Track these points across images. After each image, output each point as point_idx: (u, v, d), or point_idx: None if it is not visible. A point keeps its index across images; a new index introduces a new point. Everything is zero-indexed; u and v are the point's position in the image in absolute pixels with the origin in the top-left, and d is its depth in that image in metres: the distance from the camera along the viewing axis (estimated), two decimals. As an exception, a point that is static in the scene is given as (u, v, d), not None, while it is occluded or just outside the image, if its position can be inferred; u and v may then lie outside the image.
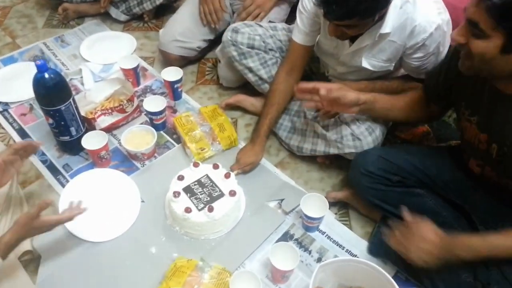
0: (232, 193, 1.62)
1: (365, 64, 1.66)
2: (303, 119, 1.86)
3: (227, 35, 1.93)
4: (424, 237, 1.27)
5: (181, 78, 2.05)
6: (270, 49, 1.93)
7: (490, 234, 1.24)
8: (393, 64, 1.67)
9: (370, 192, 1.56)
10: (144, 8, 2.51)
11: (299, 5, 1.69)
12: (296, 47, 1.77)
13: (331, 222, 1.71)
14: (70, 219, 1.44)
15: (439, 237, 1.27)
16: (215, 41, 2.28)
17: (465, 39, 1.14)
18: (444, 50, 1.58)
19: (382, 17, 1.48)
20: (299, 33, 1.73)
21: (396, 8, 1.47)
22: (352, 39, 1.61)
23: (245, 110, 2.10)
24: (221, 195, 1.63)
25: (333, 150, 1.73)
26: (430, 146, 1.92)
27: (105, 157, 1.79)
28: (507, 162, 1.28)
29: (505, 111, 1.23)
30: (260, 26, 1.95)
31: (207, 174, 1.69)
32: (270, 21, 2.10)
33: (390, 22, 1.49)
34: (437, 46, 1.54)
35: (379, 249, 1.60)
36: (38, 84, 1.61)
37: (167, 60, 2.23)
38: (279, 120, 1.91)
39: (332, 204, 1.74)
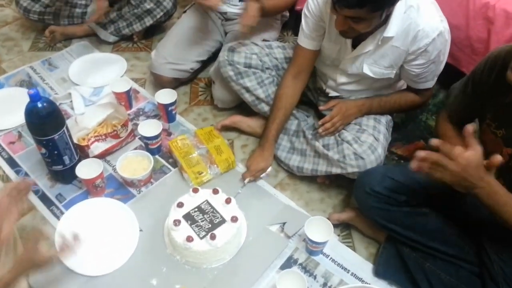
0: (234, 219, 1.57)
1: (366, 70, 1.66)
2: (302, 138, 1.85)
3: (223, 55, 1.90)
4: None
5: (176, 100, 2.01)
6: (267, 68, 1.91)
7: None
8: (394, 72, 1.66)
9: (376, 212, 1.53)
10: (133, 29, 2.47)
11: (304, 9, 1.69)
12: (302, 51, 1.76)
13: (334, 244, 1.68)
14: (71, 252, 1.35)
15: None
16: (207, 61, 2.25)
17: None
18: (445, 59, 1.61)
19: (386, 20, 1.49)
20: (305, 37, 1.73)
21: (400, 13, 1.49)
22: (355, 44, 1.61)
23: (241, 131, 2.07)
24: (223, 221, 1.58)
25: (335, 170, 1.71)
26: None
27: (100, 185, 1.74)
28: None
29: None
30: (256, 45, 1.93)
31: (207, 200, 1.65)
32: (264, 40, 2.07)
33: (394, 27, 1.50)
34: (438, 54, 1.55)
35: (386, 270, 1.59)
36: (31, 114, 1.55)
37: (159, 82, 2.19)
38: (286, 126, 1.90)
39: (334, 226, 1.69)
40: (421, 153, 1.13)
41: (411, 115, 2.14)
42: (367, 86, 1.76)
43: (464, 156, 1.10)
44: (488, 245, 1.40)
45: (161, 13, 2.41)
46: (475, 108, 1.41)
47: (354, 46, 1.63)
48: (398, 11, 1.48)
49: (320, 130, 1.76)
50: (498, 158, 1.12)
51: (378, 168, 1.63)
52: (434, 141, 1.13)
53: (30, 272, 1.35)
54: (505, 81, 1.18)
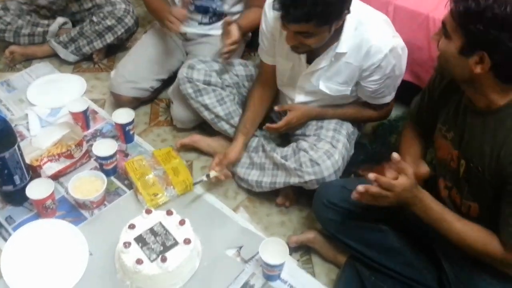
0: (187, 241, 1.52)
1: (322, 87, 1.67)
2: (261, 152, 1.84)
3: (182, 72, 1.89)
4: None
5: (133, 120, 1.98)
6: (227, 85, 1.90)
7: (450, 210, 1.29)
8: (350, 88, 1.67)
9: (333, 226, 1.53)
10: (94, 47, 2.43)
11: (260, 27, 1.72)
12: (265, 66, 1.81)
13: (293, 269, 1.64)
14: None
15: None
16: (168, 81, 2.23)
17: (438, 38, 1.22)
18: (401, 74, 1.63)
19: (338, 36, 1.52)
20: (262, 53, 1.78)
21: (351, 29, 1.51)
22: (310, 61, 1.62)
23: (200, 152, 2.04)
24: (175, 243, 1.53)
25: (293, 180, 1.68)
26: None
27: (51, 207, 1.67)
28: (471, 181, 1.28)
29: (474, 125, 1.25)
30: (217, 62, 1.93)
31: (160, 222, 1.59)
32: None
33: (346, 42, 1.53)
34: (393, 69, 1.57)
35: None
36: (-19, 131, 1.51)
37: (118, 102, 2.15)
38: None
39: (294, 250, 1.69)
40: (359, 187, 1.26)
41: (380, 136, 2.10)
42: (325, 104, 1.77)
43: (398, 184, 1.23)
44: (447, 266, 1.39)
45: (122, 30, 2.39)
46: (432, 114, 1.44)
47: (309, 62, 1.64)
48: (348, 27, 1.50)
49: (265, 126, 1.80)
50: (424, 169, 1.31)
51: (337, 180, 1.63)
52: (370, 176, 1.24)
53: None
54: (454, 86, 1.29)
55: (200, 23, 2.12)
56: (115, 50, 2.58)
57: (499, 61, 1.11)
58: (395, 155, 1.24)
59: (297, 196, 1.85)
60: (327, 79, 1.66)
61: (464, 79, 1.21)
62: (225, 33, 1.86)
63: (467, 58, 1.14)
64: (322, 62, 1.61)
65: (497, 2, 1.05)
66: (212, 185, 1.90)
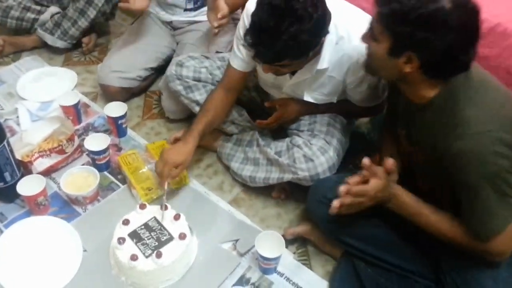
0: (182, 236, 1.51)
1: (308, 98, 1.66)
2: (255, 147, 1.81)
3: (171, 70, 1.86)
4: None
5: (126, 113, 1.95)
6: (218, 81, 1.86)
7: (425, 204, 1.31)
8: (335, 98, 1.65)
9: (328, 222, 1.51)
10: (80, 27, 2.37)
11: (236, 32, 1.63)
12: (233, 72, 1.68)
13: (289, 262, 1.63)
14: None
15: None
16: (160, 70, 2.19)
17: (367, 41, 1.25)
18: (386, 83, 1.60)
19: (317, 53, 1.47)
20: (236, 59, 1.66)
21: (331, 44, 1.47)
22: (293, 71, 1.57)
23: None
24: (170, 238, 1.51)
25: (287, 176, 1.66)
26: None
27: (43, 203, 1.65)
28: (429, 169, 1.33)
29: (417, 121, 1.30)
30: (207, 58, 1.89)
31: (154, 217, 1.57)
32: (217, 52, 2.04)
33: (327, 58, 1.49)
34: (378, 79, 1.56)
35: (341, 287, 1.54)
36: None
37: (108, 94, 2.12)
38: (240, 137, 1.87)
39: (290, 242, 1.67)
40: (335, 203, 1.28)
41: (377, 125, 2.05)
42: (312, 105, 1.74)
43: (371, 188, 1.27)
44: (443, 259, 1.39)
45: (102, 1, 2.32)
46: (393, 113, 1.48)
47: (292, 73, 1.59)
48: (329, 43, 1.46)
49: (256, 122, 1.79)
50: (389, 162, 1.28)
51: (331, 176, 1.61)
52: (341, 189, 1.27)
53: None
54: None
55: (185, 10, 2.10)
56: (107, 42, 2.54)
57: (426, 59, 1.14)
58: (365, 160, 1.27)
59: (292, 188, 1.83)
60: (312, 90, 1.63)
61: (394, 78, 1.27)
62: (213, 8, 1.82)
63: (396, 59, 1.17)
64: (305, 74, 1.57)
65: (420, 1, 1.08)
66: (207, 178, 1.89)
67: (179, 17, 2.11)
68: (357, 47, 1.42)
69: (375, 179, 1.26)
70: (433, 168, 1.30)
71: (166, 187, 1.61)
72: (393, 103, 1.46)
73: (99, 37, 2.58)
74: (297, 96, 1.69)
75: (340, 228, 1.50)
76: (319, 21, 1.33)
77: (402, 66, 1.17)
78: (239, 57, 1.64)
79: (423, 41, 1.10)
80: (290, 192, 1.83)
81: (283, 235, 1.58)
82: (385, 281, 1.46)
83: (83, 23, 2.37)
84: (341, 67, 1.51)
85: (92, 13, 2.35)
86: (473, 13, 1.10)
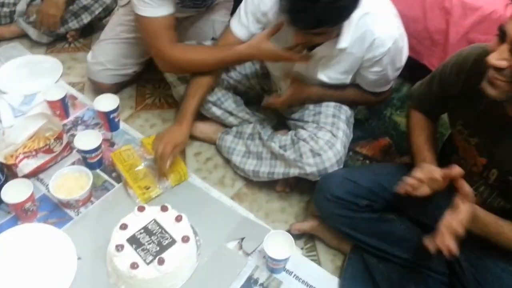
0: (185, 239, 1.42)
1: (321, 76, 1.59)
2: (258, 140, 1.74)
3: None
4: None
5: (118, 107, 1.83)
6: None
7: (503, 220, 1.22)
8: (350, 77, 1.60)
9: (337, 219, 1.47)
10: (69, 28, 2.28)
11: None
12: (231, 39, 1.61)
13: (297, 259, 1.56)
14: None
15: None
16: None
17: (509, 62, 1.02)
18: (401, 67, 1.58)
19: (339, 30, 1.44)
20: (240, 26, 1.59)
21: (354, 20, 1.41)
22: (309, 48, 1.52)
23: (193, 137, 1.90)
24: (173, 242, 1.42)
25: (293, 171, 1.59)
26: (396, 163, 1.88)
27: (31, 209, 1.54)
28: (502, 187, 1.25)
29: (506, 135, 1.20)
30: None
31: (154, 219, 1.48)
32: (213, 38, 1.91)
33: (347, 36, 1.45)
34: (393, 61, 1.52)
35: (352, 284, 1.50)
36: None
37: (99, 88, 2.00)
38: (240, 130, 1.81)
39: (297, 237, 1.61)
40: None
41: (375, 111, 2.07)
42: None
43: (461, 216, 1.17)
44: (461, 253, 1.30)
45: (100, 9, 2.24)
46: (441, 105, 1.41)
47: (310, 49, 1.53)
48: (351, 19, 1.40)
49: (265, 103, 1.72)
50: (456, 170, 1.17)
51: (338, 171, 1.55)
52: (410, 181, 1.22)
53: None
54: (475, 87, 1.15)
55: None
56: (92, 28, 2.41)
57: None
58: (457, 170, 1.17)
59: (296, 181, 1.75)
60: (327, 68, 1.58)
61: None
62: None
63: None
64: (323, 52, 1.52)
65: None
66: (207, 172, 1.81)
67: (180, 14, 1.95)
68: (380, 24, 1.43)
69: (466, 206, 1.18)
70: (507, 184, 1.23)
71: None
72: (450, 97, 1.35)
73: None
74: (309, 75, 1.62)
75: (352, 225, 1.46)
76: None
77: None
78: (244, 24, 1.58)
79: None
80: (295, 184, 1.77)
81: (288, 230, 1.53)
82: (398, 277, 1.43)
83: (74, 25, 2.29)
84: (362, 43, 1.47)
85: (86, 18, 2.27)
86: None
